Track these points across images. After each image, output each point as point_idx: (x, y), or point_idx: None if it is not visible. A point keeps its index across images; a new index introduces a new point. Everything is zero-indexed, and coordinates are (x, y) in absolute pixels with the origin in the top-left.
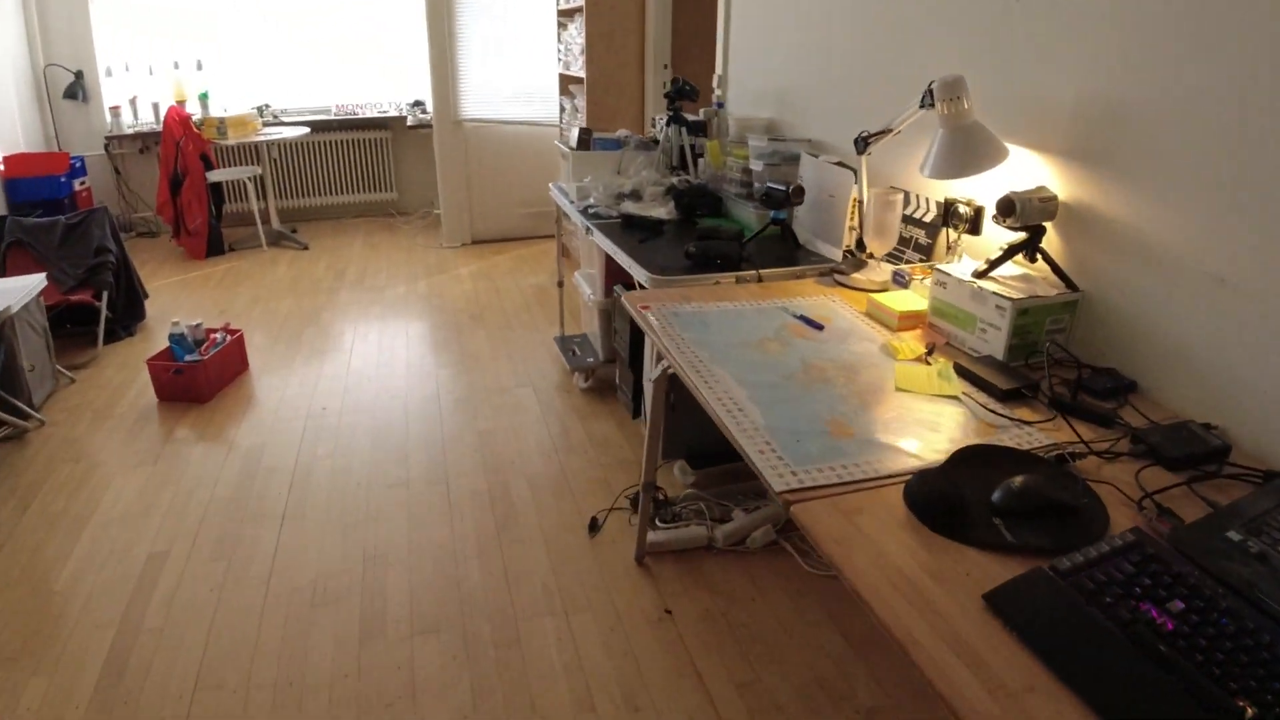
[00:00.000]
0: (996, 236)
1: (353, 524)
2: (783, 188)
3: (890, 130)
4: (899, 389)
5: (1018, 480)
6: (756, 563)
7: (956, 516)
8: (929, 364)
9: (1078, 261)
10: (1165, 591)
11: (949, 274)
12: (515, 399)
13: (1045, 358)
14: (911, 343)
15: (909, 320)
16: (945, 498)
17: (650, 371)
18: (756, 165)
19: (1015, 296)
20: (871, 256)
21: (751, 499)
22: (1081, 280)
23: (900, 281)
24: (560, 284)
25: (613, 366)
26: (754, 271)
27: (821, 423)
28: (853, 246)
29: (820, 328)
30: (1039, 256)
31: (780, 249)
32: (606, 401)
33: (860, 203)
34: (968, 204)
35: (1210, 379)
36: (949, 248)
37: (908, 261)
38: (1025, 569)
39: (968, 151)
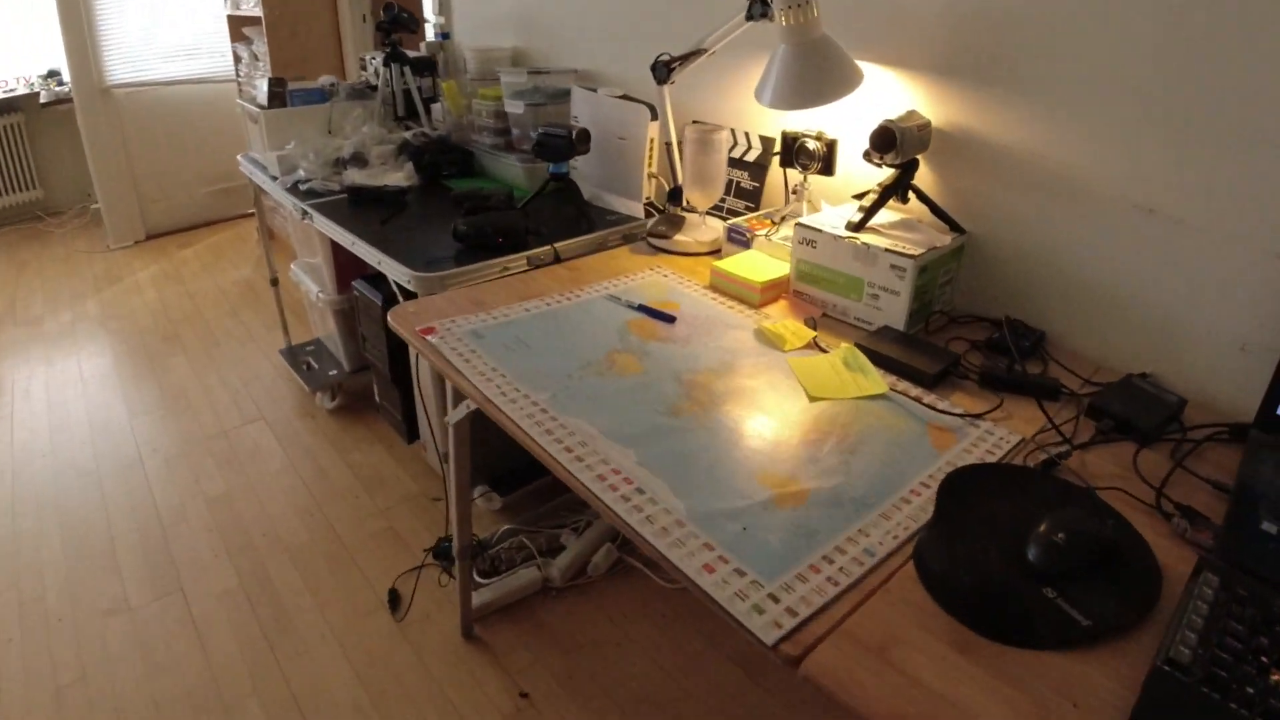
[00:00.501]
0: (856, 176)
1: (64, 687)
2: (562, 133)
3: (701, 51)
4: (814, 399)
5: (1054, 529)
6: (606, 594)
7: (1007, 605)
8: (825, 351)
9: (957, 198)
10: None
11: (818, 229)
12: (246, 441)
13: (941, 318)
14: (789, 324)
15: (772, 291)
16: (989, 591)
17: (450, 413)
18: (515, 107)
19: (914, 252)
20: (692, 210)
21: (576, 514)
22: (964, 220)
23: (739, 240)
24: (275, 281)
25: (365, 376)
26: (548, 248)
27: (755, 483)
28: (653, 197)
29: (671, 319)
30: (910, 195)
31: (565, 212)
32: (366, 421)
33: (668, 145)
34: (818, 138)
35: (1137, 320)
36: (793, 193)
37: (731, 212)
38: (1119, 663)
39: (822, 73)
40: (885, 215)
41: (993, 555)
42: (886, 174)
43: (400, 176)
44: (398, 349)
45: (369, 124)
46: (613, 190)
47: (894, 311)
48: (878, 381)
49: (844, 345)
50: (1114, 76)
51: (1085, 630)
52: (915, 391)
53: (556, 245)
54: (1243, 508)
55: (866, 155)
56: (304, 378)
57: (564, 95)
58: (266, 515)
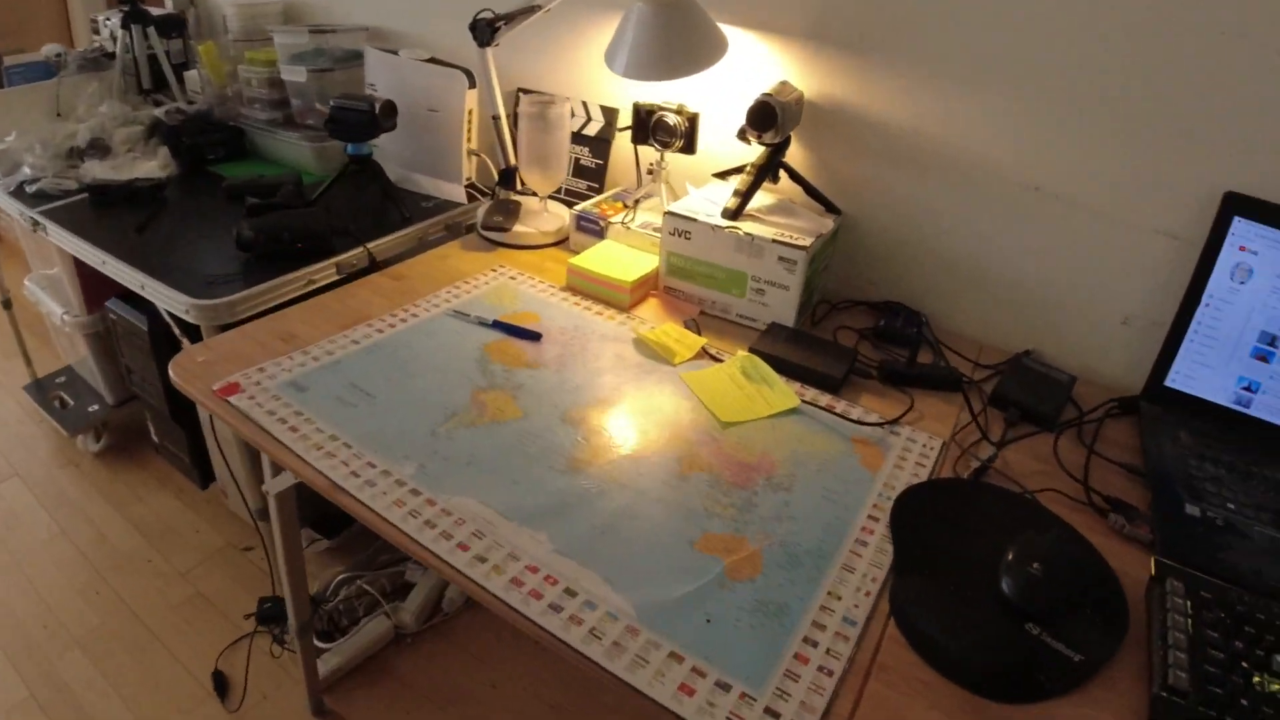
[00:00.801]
0: (716, 153)
1: None
2: (362, 106)
3: (534, 8)
4: (726, 424)
5: (1024, 559)
6: (469, 629)
7: (1004, 657)
8: (719, 360)
9: (829, 176)
10: (1264, 648)
11: (692, 218)
12: None
13: (824, 306)
14: (670, 329)
15: (641, 290)
16: (983, 648)
17: (268, 480)
18: (294, 74)
19: (803, 242)
20: (529, 193)
21: None
22: (838, 199)
23: (591, 229)
24: (7, 304)
25: (135, 407)
26: (360, 250)
27: (697, 553)
28: (474, 178)
29: (536, 337)
30: (781, 174)
31: (370, 201)
32: (144, 461)
33: (495, 119)
34: (678, 112)
35: (1019, 298)
36: (648, 172)
37: (572, 194)
38: (1111, 695)
39: (687, 39)
40: (756, 197)
41: (969, 597)
42: (755, 152)
43: (154, 166)
44: None
45: (108, 102)
46: (425, 171)
47: (782, 307)
48: (787, 393)
49: (741, 354)
50: (998, 51)
51: (1080, 667)
52: (825, 399)
53: (370, 246)
54: (1163, 493)
55: (742, 134)
56: (58, 418)
57: (355, 59)
58: (43, 601)
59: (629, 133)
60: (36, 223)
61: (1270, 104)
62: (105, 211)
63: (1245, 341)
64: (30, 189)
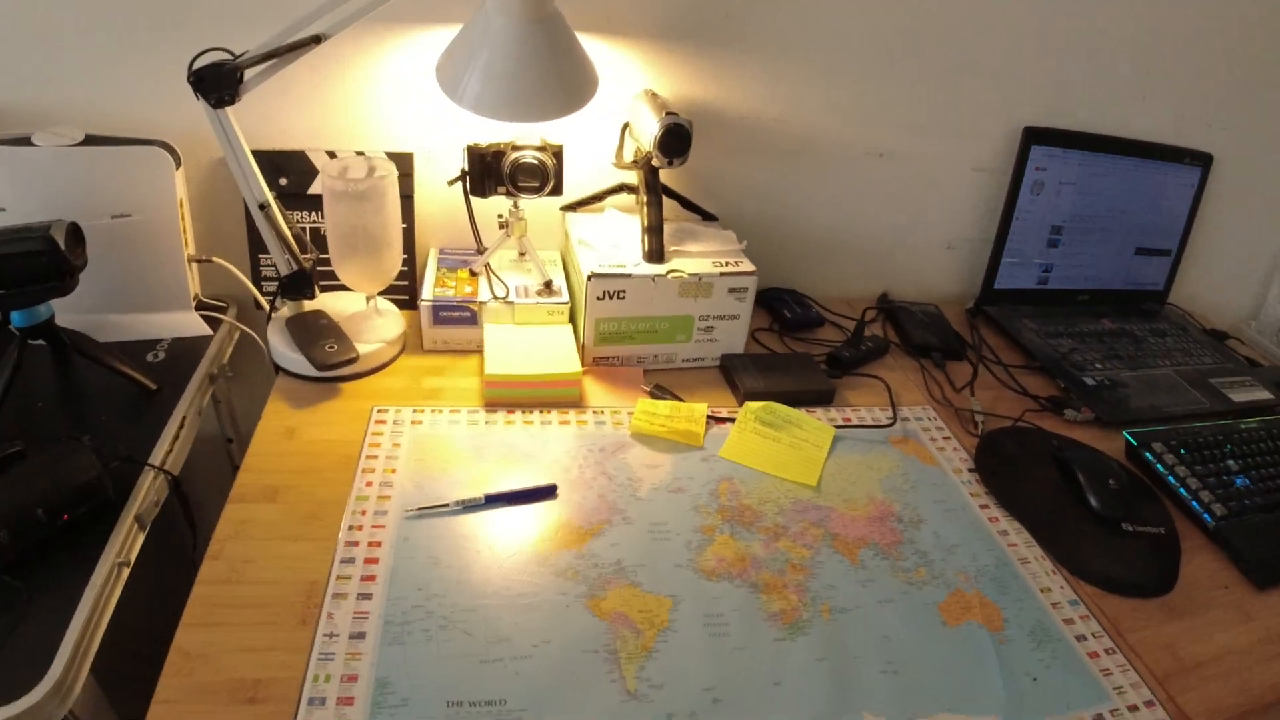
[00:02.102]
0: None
1: None
2: (33, 244)
3: (308, 42)
4: (816, 487)
5: (1098, 478)
6: None
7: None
8: (730, 420)
9: (694, 181)
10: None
11: (625, 274)
12: None
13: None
14: (659, 409)
15: (567, 383)
16: (1132, 559)
17: None
18: None
19: (747, 268)
20: (297, 293)
21: None
22: (706, 204)
23: (458, 319)
24: None
25: None
26: (152, 475)
27: (961, 629)
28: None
29: (552, 491)
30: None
31: (75, 392)
32: None
33: (264, 208)
34: (542, 149)
35: (867, 251)
36: (501, 226)
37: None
38: (1200, 542)
39: (569, 63)
40: (630, 224)
41: (1078, 527)
42: (607, 176)
43: None
44: None
45: None
46: (126, 307)
47: (732, 337)
48: (820, 426)
49: (752, 406)
50: (830, 32)
51: (1167, 537)
52: (831, 414)
53: (158, 463)
54: (1062, 376)
55: (656, 161)
56: None
57: None
58: None
59: (459, 184)
60: None
61: (1051, 49)
62: None
63: (1041, 237)
64: None
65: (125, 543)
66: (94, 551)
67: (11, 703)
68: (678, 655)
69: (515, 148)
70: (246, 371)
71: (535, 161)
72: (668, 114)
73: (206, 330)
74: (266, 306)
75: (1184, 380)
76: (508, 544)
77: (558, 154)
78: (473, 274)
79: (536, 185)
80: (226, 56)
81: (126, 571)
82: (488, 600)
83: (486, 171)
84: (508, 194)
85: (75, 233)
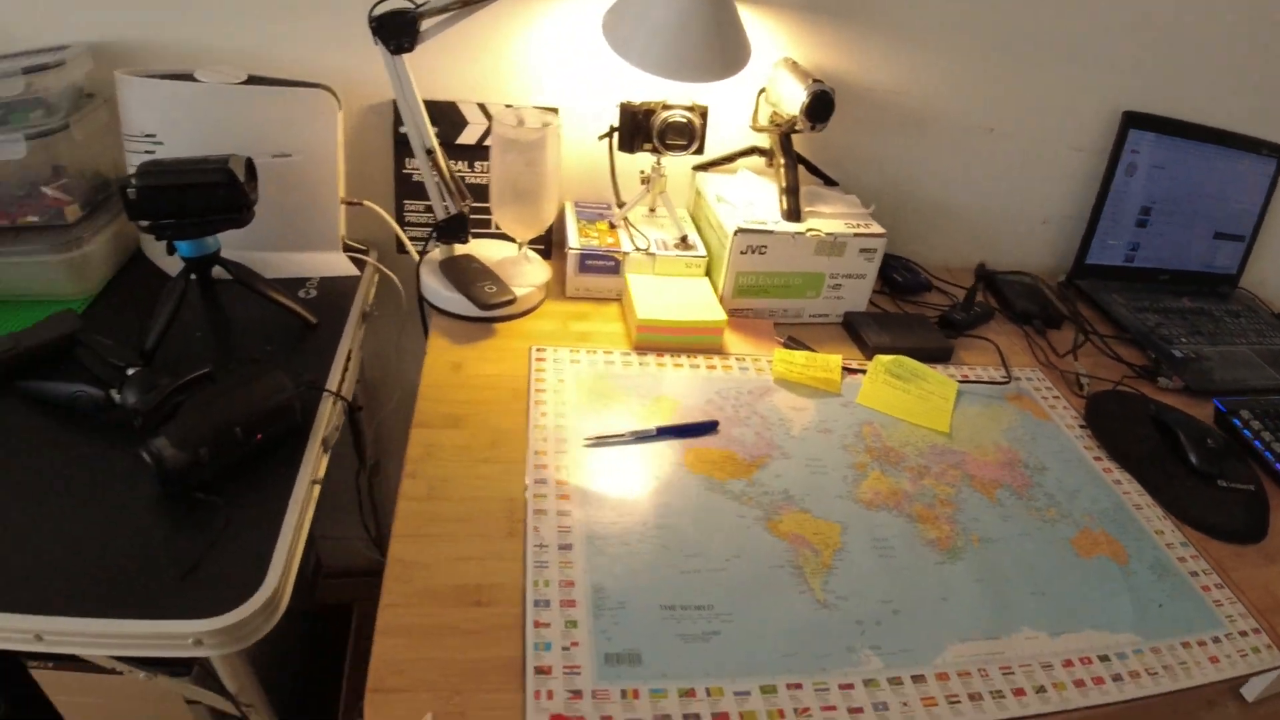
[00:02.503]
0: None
1: None
2: (215, 175)
3: None
4: (948, 433)
5: (1197, 437)
6: None
7: (1236, 510)
8: (861, 371)
9: (821, 149)
10: None
11: (768, 230)
12: None
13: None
14: (796, 358)
15: (713, 330)
16: (1229, 509)
17: None
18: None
19: (877, 230)
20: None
21: None
22: (825, 169)
23: (602, 268)
24: None
25: None
26: (331, 402)
27: (1092, 562)
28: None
29: (713, 427)
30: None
31: (237, 324)
32: None
33: (431, 153)
34: (691, 109)
35: (969, 221)
36: (644, 182)
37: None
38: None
39: (731, 30)
40: (762, 185)
41: (1181, 484)
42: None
43: None
44: None
45: None
46: (279, 245)
47: (857, 295)
48: (943, 380)
49: (882, 359)
50: (956, 8)
51: (1256, 494)
52: (951, 370)
53: (334, 389)
54: (1153, 347)
55: (801, 126)
56: None
57: (88, 103)
58: None
59: (604, 140)
60: None
61: (1149, 38)
62: None
63: (1131, 216)
64: None
65: (315, 462)
66: (286, 470)
67: (226, 613)
68: (854, 572)
69: (666, 106)
70: (381, 312)
71: (684, 120)
72: (814, 81)
73: (353, 271)
74: (412, 250)
75: (1259, 358)
76: (683, 471)
77: (704, 114)
78: (611, 226)
79: (684, 144)
80: (408, 5)
81: (318, 490)
82: (674, 519)
83: (636, 129)
84: (653, 151)
85: (250, 168)
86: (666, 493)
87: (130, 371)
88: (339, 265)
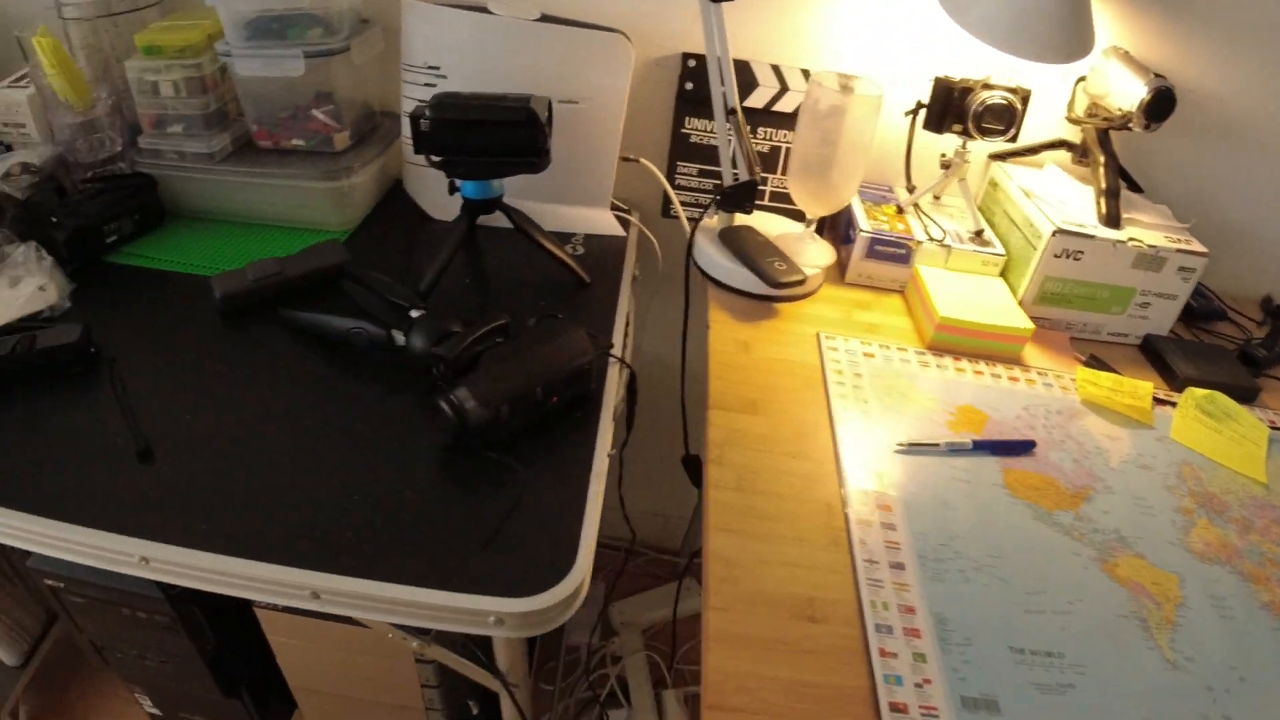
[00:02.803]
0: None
1: None
2: (516, 113)
3: None
4: (1267, 485)
5: None
6: None
7: None
8: (1171, 404)
9: (1131, 154)
10: None
11: (1088, 234)
12: None
13: None
14: (1102, 380)
15: (1017, 338)
16: None
17: None
18: (278, 64)
19: (1200, 248)
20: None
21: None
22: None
23: (893, 255)
24: None
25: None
26: (617, 365)
27: None
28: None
29: (1030, 447)
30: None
31: (507, 274)
32: None
33: (733, 114)
34: (1014, 92)
35: (1257, 250)
36: (944, 166)
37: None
38: None
39: (1082, 10)
40: (1071, 184)
41: None
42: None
43: (27, 293)
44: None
45: None
46: (549, 196)
47: (1161, 318)
48: (1255, 424)
49: (1195, 393)
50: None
51: None
52: (1256, 412)
53: (618, 353)
54: None
55: (1137, 123)
56: None
57: (364, 28)
58: None
59: (916, 116)
60: None
61: None
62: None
63: None
64: None
65: (608, 432)
66: (581, 439)
67: (534, 595)
68: (1197, 631)
69: (987, 86)
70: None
71: (1004, 103)
72: (1155, 76)
73: (619, 230)
74: (682, 215)
75: None
76: (1004, 494)
77: (1025, 99)
78: (899, 210)
79: (1000, 129)
80: None
81: (609, 461)
82: (1007, 549)
83: (948, 107)
84: (962, 133)
85: (550, 111)
86: (993, 517)
87: (414, 314)
88: (605, 223)
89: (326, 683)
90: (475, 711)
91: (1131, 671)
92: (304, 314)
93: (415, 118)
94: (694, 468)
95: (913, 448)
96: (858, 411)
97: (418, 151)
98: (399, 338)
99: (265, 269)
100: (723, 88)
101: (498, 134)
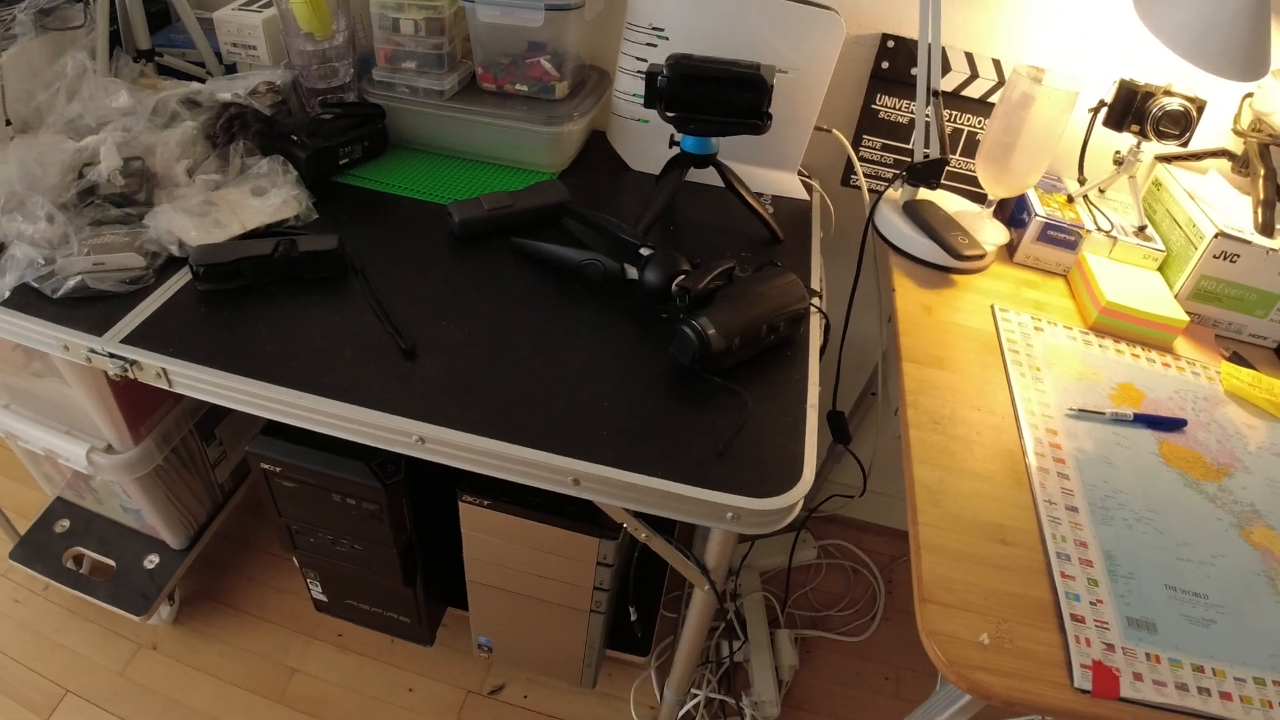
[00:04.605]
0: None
1: None
2: (749, 73)
3: None
4: None
5: None
6: (821, 680)
7: None
8: None
9: None
10: None
11: (1246, 240)
12: None
13: None
14: (1243, 375)
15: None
16: None
17: None
18: (516, 13)
19: None
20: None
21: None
22: None
23: (1061, 240)
24: None
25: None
26: (816, 312)
27: None
28: (798, 162)
29: (1181, 424)
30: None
31: (708, 226)
32: (240, 619)
33: (936, 95)
34: (1191, 100)
35: None
36: (1116, 163)
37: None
38: None
39: (1268, 27)
40: (1227, 191)
41: None
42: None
43: (274, 203)
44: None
45: (89, 80)
46: (743, 157)
47: None
48: None
49: None
50: None
51: None
52: None
53: (822, 311)
54: None
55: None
56: (109, 595)
57: None
58: None
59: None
60: (130, 366)
61: None
62: (237, 309)
63: None
64: (48, 288)
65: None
66: (794, 375)
67: (770, 496)
68: None
69: (1168, 93)
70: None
71: (1182, 110)
72: None
73: (804, 195)
74: (864, 185)
75: None
76: (1158, 462)
77: (1201, 109)
78: (1069, 200)
79: (1175, 134)
80: None
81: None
82: (1160, 507)
83: (1128, 109)
84: (1139, 134)
85: (772, 80)
86: (1150, 479)
87: (644, 251)
88: (792, 187)
89: (504, 578)
90: (634, 617)
91: (1261, 617)
92: (540, 244)
93: (652, 74)
94: (839, 423)
95: (1082, 413)
96: (1031, 377)
97: (648, 106)
98: (631, 271)
99: (498, 200)
100: (929, 71)
101: (729, 95)
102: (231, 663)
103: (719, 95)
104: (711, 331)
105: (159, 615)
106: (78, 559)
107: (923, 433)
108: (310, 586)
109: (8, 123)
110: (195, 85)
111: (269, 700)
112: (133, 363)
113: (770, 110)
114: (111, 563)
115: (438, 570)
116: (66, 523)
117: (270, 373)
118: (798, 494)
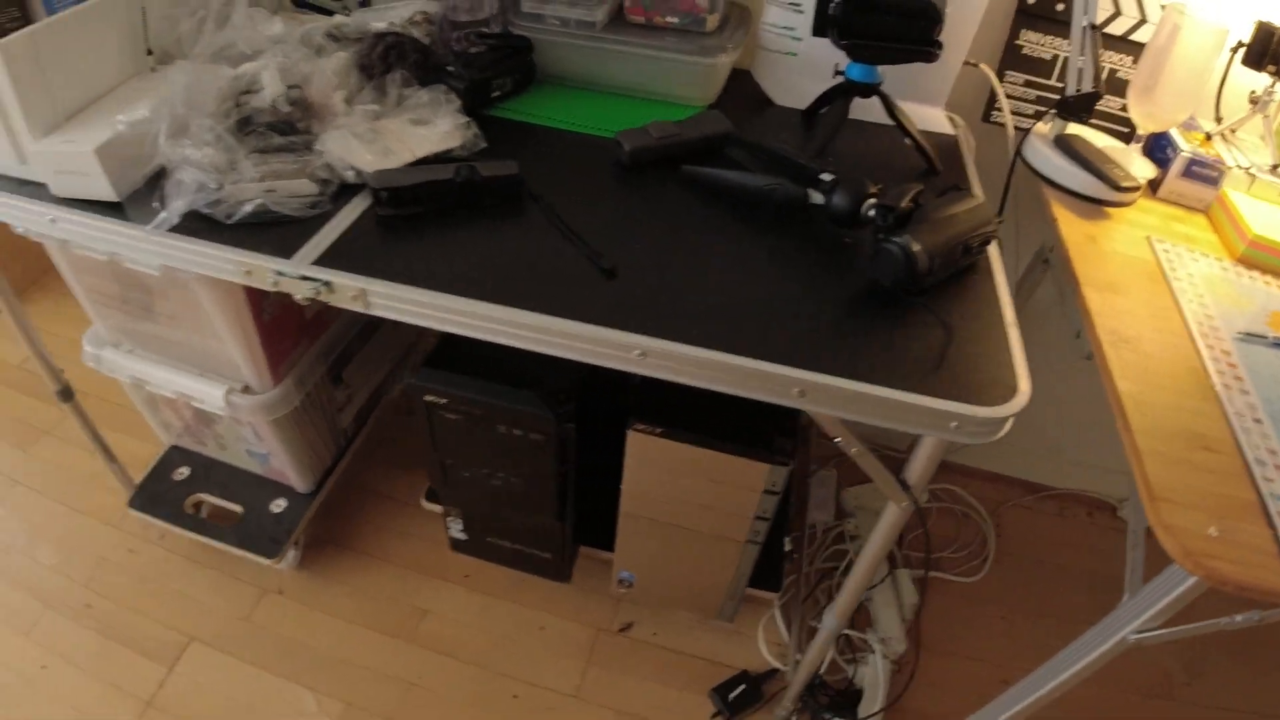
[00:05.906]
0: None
1: None
2: (926, 2)
3: None
4: None
5: None
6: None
7: None
8: None
9: None
10: None
11: None
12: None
13: None
14: None
15: None
16: None
17: None
18: None
19: None
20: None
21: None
22: None
23: (1203, 177)
24: (68, 393)
25: (334, 495)
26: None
27: None
28: (945, 96)
29: None
30: None
31: (874, 157)
32: (362, 562)
33: (1090, 30)
34: None
35: None
36: (1252, 102)
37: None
38: None
39: None
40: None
41: None
42: None
43: (440, 132)
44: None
45: (241, 10)
46: (892, 90)
47: None
48: None
49: None
50: None
51: None
52: None
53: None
54: None
55: None
56: (237, 539)
57: None
58: None
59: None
60: (322, 289)
61: None
62: (421, 234)
63: None
64: (221, 213)
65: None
66: (987, 295)
67: (994, 405)
68: None
69: None
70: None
71: None
72: None
73: (949, 129)
74: (1009, 120)
75: None
76: None
77: None
78: (1208, 138)
79: None
80: None
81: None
82: None
83: (1265, 49)
84: (1274, 74)
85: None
86: None
87: (826, 176)
88: (938, 121)
89: (661, 509)
90: (788, 548)
91: None
92: (717, 170)
93: (825, 1)
94: None
95: (1250, 336)
96: (1196, 303)
97: (817, 33)
98: (814, 196)
99: (666, 129)
100: (1085, 3)
101: (902, 23)
102: (360, 606)
103: (892, 22)
104: (917, 248)
105: (286, 561)
106: (198, 505)
107: (1116, 350)
108: (450, 525)
109: (149, 52)
110: (339, 18)
111: (401, 641)
112: (326, 284)
113: (941, 39)
114: (237, 508)
115: (582, 508)
116: (186, 470)
117: (474, 292)
118: (1018, 404)
